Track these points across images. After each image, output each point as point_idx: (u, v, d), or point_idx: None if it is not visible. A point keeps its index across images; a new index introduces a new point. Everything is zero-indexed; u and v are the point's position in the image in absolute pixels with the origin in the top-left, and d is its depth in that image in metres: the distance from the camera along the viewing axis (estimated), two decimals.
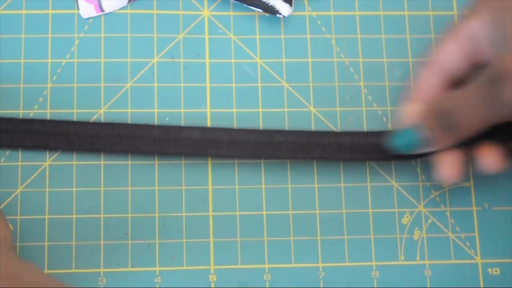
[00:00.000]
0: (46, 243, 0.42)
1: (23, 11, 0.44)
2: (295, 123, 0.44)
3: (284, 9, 0.44)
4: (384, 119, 0.45)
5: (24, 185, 0.42)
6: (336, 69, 0.45)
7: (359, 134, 0.43)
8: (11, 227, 0.42)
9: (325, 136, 0.42)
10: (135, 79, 0.44)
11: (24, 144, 0.42)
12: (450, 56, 0.41)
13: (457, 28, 0.41)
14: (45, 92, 0.43)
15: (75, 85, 0.44)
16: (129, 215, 0.42)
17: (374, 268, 0.43)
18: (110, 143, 0.42)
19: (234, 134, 0.42)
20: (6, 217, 0.41)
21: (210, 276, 0.42)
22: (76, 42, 0.44)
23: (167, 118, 0.44)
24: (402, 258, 0.43)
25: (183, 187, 0.43)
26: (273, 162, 0.43)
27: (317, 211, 0.43)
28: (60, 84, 0.44)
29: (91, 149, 0.42)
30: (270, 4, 0.44)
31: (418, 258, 0.43)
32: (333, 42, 0.45)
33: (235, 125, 0.44)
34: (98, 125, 0.43)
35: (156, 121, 0.44)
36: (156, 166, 0.43)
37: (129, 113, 0.44)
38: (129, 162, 0.43)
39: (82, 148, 0.42)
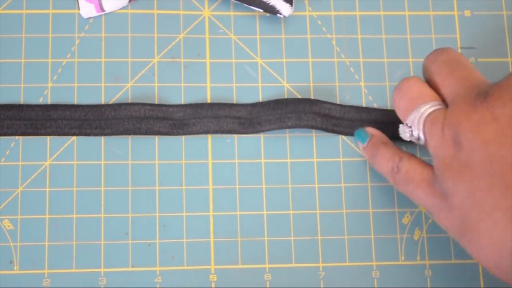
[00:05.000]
0: (46, 243, 0.42)
1: (23, 11, 0.44)
2: None
3: (285, 9, 0.44)
4: None
5: (24, 185, 0.42)
6: (336, 69, 0.45)
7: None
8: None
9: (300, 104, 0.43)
10: (135, 79, 0.44)
11: (14, 130, 0.42)
12: None
13: None
14: (45, 92, 0.43)
15: (76, 84, 0.44)
16: (129, 215, 0.42)
17: (374, 268, 0.43)
18: (99, 127, 0.43)
19: (217, 110, 0.43)
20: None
21: (211, 276, 0.42)
22: (77, 42, 0.44)
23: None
24: (403, 258, 0.43)
25: (183, 187, 0.43)
26: (274, 162, 0.43)
27: (317, 211, 0.43)
28: (61, 84, 0.43)
29: (80, 133, 0.42)
30: (270, 4, 0.44)
31: (418, 258, 0.43)
32: (334, 42, 0.45)
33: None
34: (86, 109, 0.43)
35: None
36: (156, 166, 0.43)
37: None
38: (129, 162, 0.43)
39: (71, 132, 0.42)
